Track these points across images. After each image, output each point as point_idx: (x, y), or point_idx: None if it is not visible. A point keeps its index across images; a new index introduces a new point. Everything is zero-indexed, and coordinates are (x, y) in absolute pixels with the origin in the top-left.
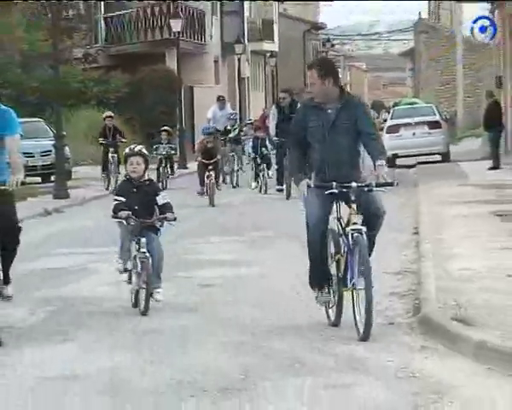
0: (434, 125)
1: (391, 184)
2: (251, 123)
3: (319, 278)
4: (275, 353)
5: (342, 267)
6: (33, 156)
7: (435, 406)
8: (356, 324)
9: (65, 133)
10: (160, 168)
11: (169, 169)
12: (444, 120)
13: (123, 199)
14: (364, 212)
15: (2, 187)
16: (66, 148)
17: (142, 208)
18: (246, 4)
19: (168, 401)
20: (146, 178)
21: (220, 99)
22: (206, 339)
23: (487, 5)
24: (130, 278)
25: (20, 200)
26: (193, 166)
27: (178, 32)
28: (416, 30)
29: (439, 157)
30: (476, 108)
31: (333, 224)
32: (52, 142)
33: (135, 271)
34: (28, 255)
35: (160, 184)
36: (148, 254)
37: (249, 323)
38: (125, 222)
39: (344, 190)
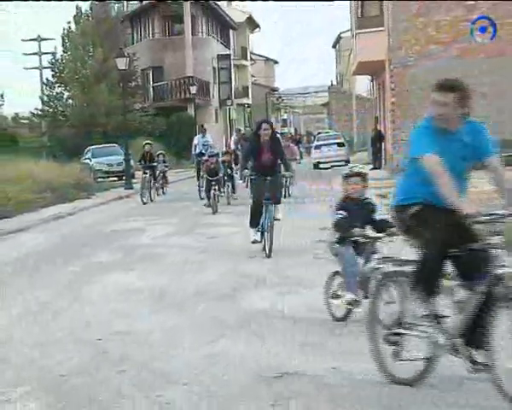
0: (341, 144)
1: None
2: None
3: None
4: (247, 275)
5: None
6: (112, 165)
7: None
8: None
9: (130, 152)
10: (157, 181)
11: (165, 180)
12: (346, 141)
13: (345, 213)
14: None
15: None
16: (131, 160)
17: (362, 226)
18: (233, 76)
19: (190, 302)
20: (366, 196)
21: (202, 130)
22: (213, 265)
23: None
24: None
25: (104, 191)
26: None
27: (194, 94)
28: (329, 90)
29: (343, 163)
30: (364, 135)
31: None
32: (122, 157)
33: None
34: (111, 222)
35: (161, 190)
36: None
37: (235, 257)
38: (358, 238)
39: None
